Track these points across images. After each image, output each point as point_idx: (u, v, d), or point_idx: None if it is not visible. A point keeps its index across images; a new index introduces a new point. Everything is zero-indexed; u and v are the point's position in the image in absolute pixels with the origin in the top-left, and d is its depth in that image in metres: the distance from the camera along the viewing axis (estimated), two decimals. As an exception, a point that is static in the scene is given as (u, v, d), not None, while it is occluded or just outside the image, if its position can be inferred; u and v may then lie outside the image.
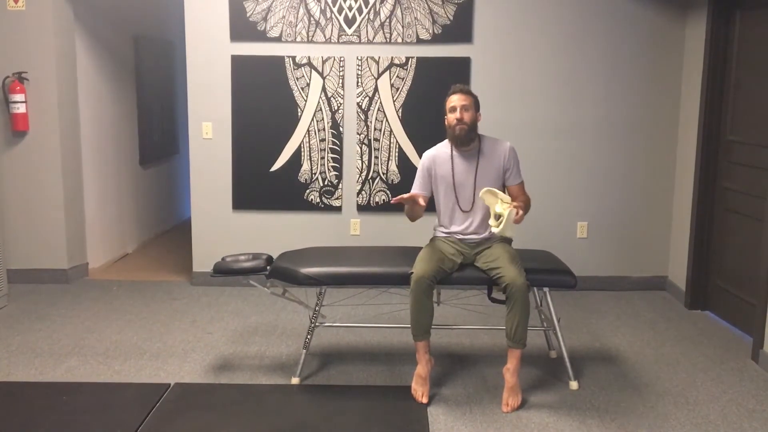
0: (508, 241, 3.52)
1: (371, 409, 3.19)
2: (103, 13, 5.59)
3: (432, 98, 4.92)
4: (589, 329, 4.28)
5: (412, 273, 3.29)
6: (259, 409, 3.19)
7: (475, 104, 3.47)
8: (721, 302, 4.48)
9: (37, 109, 4.95)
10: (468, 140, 3.43)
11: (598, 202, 5.03)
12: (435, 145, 3.61)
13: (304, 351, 3.51)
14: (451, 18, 4.83)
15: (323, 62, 4.90)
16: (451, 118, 3.43)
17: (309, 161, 5.00)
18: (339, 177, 5.02)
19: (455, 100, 3.44)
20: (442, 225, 3.57)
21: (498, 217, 3.20)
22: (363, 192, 5.02)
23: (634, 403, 3.29)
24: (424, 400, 3.26)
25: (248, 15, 4.85)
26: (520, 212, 3.18)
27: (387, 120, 4.94)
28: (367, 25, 4.85)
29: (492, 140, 3.52)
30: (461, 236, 3.50)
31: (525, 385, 3.46)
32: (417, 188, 3.53)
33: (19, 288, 4.95)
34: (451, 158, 3.48)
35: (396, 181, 4.99)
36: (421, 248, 3.79)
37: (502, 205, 3.18)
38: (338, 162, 5.00)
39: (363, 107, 4.94)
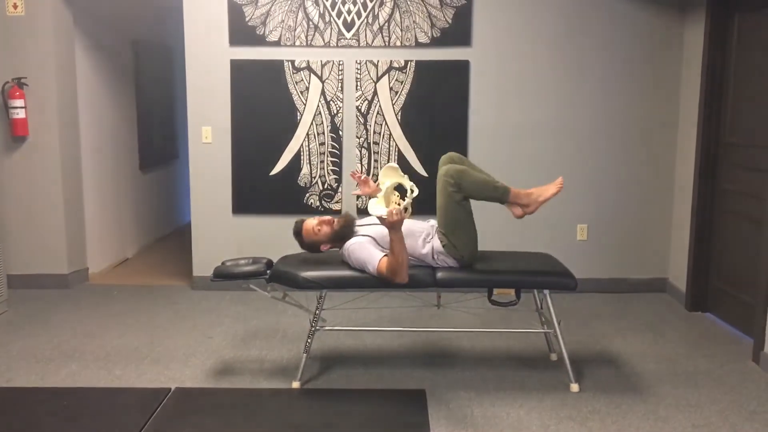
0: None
1: (372, 413, 3.19)
2: (102, 18, 5.59)
3: (431, 102, 4.94)
4: (589, 331, 4.28)
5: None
6: (260, 414, 3.19)
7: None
8: (722, 304, 4.48)
9: (36, 114, 4.95)
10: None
11: (597, 204, 5.03)
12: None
13: (305, 355, 3.51)
14: (450, 21, 4.84)
15: (322, 66, 4.90)
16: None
17: (308, 165, 5.00)
18: (338, 180, 5.02)
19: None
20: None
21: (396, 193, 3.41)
22: (363, 195, 5.01)
23: (635, 406, 3.29)
24: None
25: (247, 19, 4.85)
26: (395, 217, 3.14)
27: (386, 123, 4.94)
28: (365, 29, 4.86)
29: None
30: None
31: (526, 387, 3.46)
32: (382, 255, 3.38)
33: (20, 293, 4.94)
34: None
35: (396, 184, 4.99)
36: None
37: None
38: (338, 165, 5.00)
39: (362, 111, 4.94)
